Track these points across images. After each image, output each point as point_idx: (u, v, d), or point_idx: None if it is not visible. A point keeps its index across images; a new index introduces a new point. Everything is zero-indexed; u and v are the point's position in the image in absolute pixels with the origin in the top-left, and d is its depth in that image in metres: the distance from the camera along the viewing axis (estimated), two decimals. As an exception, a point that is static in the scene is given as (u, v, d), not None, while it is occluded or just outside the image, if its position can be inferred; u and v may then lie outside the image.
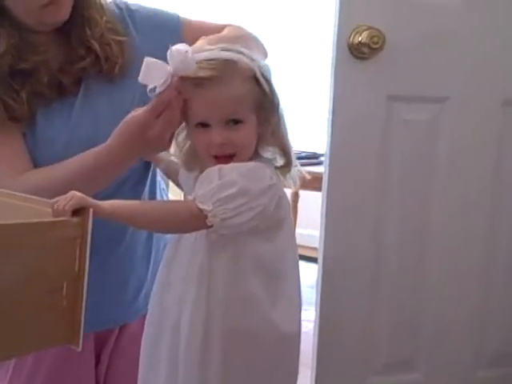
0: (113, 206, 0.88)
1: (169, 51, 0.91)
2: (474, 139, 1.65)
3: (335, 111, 1.54)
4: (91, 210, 0.85)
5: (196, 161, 1.02)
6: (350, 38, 1.49)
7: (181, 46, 0.92)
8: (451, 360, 1.71)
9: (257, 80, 0.96)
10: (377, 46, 1.48)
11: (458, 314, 1.71)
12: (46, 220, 0.84)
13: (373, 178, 1.59)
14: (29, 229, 0.80)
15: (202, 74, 0.93)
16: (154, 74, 0.92)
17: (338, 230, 1.60)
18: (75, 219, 0.84)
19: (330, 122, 1.55)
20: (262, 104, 0.97)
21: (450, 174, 1.65)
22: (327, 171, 1.57)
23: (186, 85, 0.94)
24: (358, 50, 1.49)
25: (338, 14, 1.50)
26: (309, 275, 3.65)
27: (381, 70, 1.53)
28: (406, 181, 1.62)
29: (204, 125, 0.95)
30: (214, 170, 0.94)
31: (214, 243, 0.96)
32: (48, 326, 0.84)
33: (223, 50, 0.96)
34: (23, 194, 0.93)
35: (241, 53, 0.97)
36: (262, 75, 0.97)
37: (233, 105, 0.94)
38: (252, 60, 0.97)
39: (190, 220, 0.92)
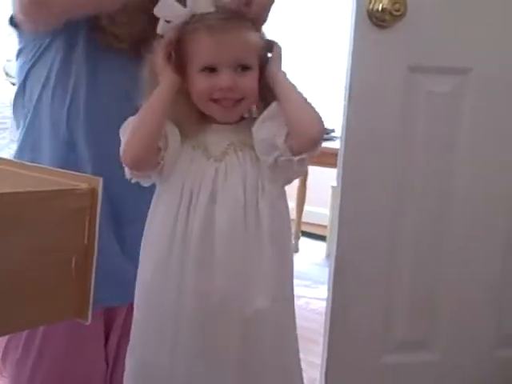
0: None
1: None
2: (497, 112, 1.59)
3: (353, 83, 1.48)
4: (101, 180, 0.81)
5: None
6: (370, 4, 1.43)
7: None
8: (468, 339, 1.68)
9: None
10: (399, 13, 1.42)
11: (474, 293, 1.67)
12: (51, 188, 0.81)
13: (392, 153, 1.54)
14: (34, 197, 0.77)
15: (222, 13, 0.94)
16: (171, 9, 0.95)
17: (354, 207, 1.56)
18: (84, 187, 0.81)
19: (347, 94, 1.49)
20: (263, 56, 1.00)
21: (473, 148, 1.59)
22: (343, 147, 1.52)
23: (199, 28, 0.94)
24: (379, 18, 1.44)
25: (357, -20, 1.45)
26: (317, 253, 3.65)
27: (402, 39, 1.48)
28: (427, 155, 1.57)
29: (210, 70, 0.95)
30: None
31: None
32: (57, 299, 0.82)
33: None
34: (30, 164, 0.91)
35: None
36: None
37: (245, 49, 0.96)
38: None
39: None
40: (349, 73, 1.48)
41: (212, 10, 0.95)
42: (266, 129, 0.97)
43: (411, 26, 1.46)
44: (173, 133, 0.98)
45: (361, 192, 1.55)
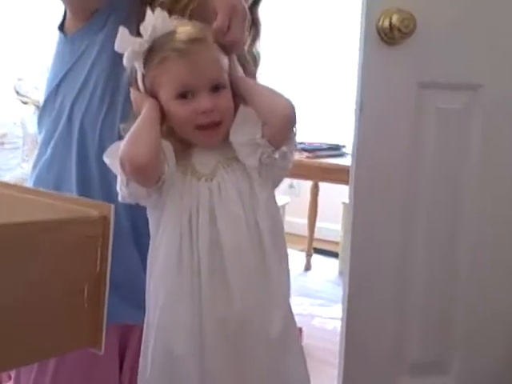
0: None
1: (147, 14, 0.94)
2: (508, 128, 1.58)
3: (363, 99, 1.48)
4: (113, 207, 0.81)
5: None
6: (379, 21, 1.43)
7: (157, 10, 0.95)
8: (483, 361, 1.65)
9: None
10: (408, 29, 1.41)
11: (489, 314, 1.64)
12: (64, 217, 0.80)
13: (403, 170, 1.53)
14: (46, 226, 0.77)
15: (188, 36, 0.93)
16: (130, 41, 0.95)
17: (366, 224, 1.54)
18: (96, 215, 0.80)
19: (358, 110, 1.49)
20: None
21: (484, 165, 1.58)
22: (354, 164, 1.51)
23: (168, 54, 0.93)
24: (388, 35, 1.43)
25: (365, -3, 1.44)
26: (330, 270, 3.62)
27: (411, 56, 1.47)
28: (437, 172, 1.55)
29: (185, 95, 0.94)
30: None
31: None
32: (69, 329, 0.82)
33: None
34: (42, 190, 0.90)
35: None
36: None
37: (218, 68, 0.95)
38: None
39: None
40: (359, 89, 1.48)
41: (171, 28, 0.94)
42: (242, 132, 0.97)
43: (420, 43, 1.46)
44: (168, 150, 0.96)
45: (373, 209, 1.54)
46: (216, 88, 0.94)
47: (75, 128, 1.12)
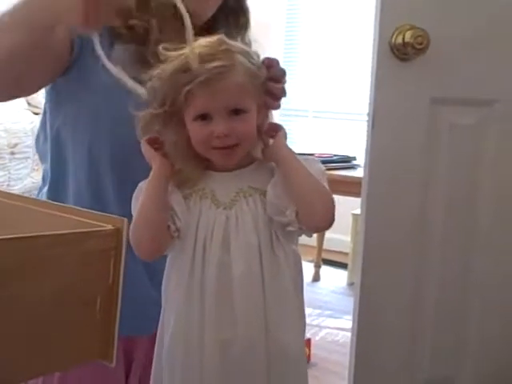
0: None
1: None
2: (523, 144, 1.57)
3: (376, 114, 1.48)
4: (126, 220, 0.81)
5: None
6: (392, 37, 1.43)
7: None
8: (496, 376, 1.64)
9: (253, 67, 0.95)
10: (421, 46, 1.41)
11: (503, 328, 1.63)
12: (76, 230, 0.80)
13: (415, 186, 1.53)
14: (58, 240, 0.77)
15: (209, 68, 0.91)
16: None
17: (378, 237, 1.54)
18: (109, 228, 0.81)
19: (370, 125, 1.48)
20: (260, 92, 0.96)
21: (498, 181, 1.57)
22: (367, 178, 1.51)
23: (189, 79, 0.91)
24: (401, 51, 1.43)
25: (379, 13, 1.44)
26: (338, 281, 3.62)
27: (425, 72, 1.47)
28: (450, 188, 1.55)
29: (204, 117, 0.93)
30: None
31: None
32: (81, 342, 0.81)
33: (220, 42, 0.94)
34: (54, 203, 0.91)
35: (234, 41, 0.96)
36: (256, 62, 0.97)
37: (238, 94, 0.92)
38: (243, 48, 0.97)
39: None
40: (371, 105, 1.48)
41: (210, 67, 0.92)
42: (279, 191, 0.95)
43: (434, 59, 1.46)
44: (177, 202, 0.96)
45: (385, 221, 1.54)
46: (236, 112, 0.93)
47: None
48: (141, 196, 0.96)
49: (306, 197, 0.94)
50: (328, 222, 0.96)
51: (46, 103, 1.19)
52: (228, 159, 0.96)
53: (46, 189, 1.19)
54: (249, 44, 1.15)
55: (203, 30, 1.03)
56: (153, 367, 1.04)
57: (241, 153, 0.96)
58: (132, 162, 1.08)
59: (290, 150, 0.96)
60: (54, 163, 1.17)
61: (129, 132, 1.03)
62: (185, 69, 0.93)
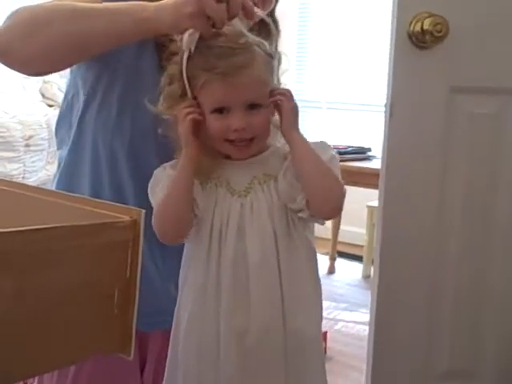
0: None
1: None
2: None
3: (394, 104, 1.46)
4: (143, 212, 0.80)
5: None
6: (410, 25, 1.41)
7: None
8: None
9: (269, 58, 0.96)
10: (440, 34, 1.39)
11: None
12: (94, 222, 0.80)
13: (434, 177, 1.51)
14: (76, 231, 0.76)
15: (230, 63, 0.91)
16: None
17: (396, 228, 1.52)
18: (126, 220, 0.80)
19: (388, 115, 1.47)
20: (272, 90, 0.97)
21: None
22: (384, 168, 1.49)
23: (208, 72, 0.92)
24: (419, 39, 1.41)
25: (397, 1, 1.42)
26: (353, 274, 3.60)
27: (443, 60, 1.45)
28: (469, 178, 1.52)
29: (221, 110, 0.93)
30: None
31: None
32: (99, 333, 0.81)
33: (241, 34, 0.94)
34: (71, 194, 0.90)
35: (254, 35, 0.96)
36: (274, 57, 0.98)
37: (256, 89, 0.93)
38: (259, 39, 0.96)
39: None
40: (389, 94, 1.46)
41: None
42: (289, 178, 0.95)
43: (453, 47, 1.43)
44: (196, 190, 0.97)
45: (402, 213, 1.52)
46: (252, 106, 0.94)
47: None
48: (170, 180, 0.96)
49: (316, 183, 0.94)
50: (337, 209, 0.96)
51: (72, 85, 1.18)
52: (242, 153, 0.97)
53: (58, 175, 1.19)
54: (278, 56, 1.15)
55: None
56: (168, 358, 1.03)
57: (255, 147, 0.97)
58: (147, 151, 1.09)
59: (300, 134, 0.96)
60: (73, 148, 1.16)
61: (147, 118, 1.03)
62: (204, 58, 0.93)
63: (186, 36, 0.94)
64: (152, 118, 1.03)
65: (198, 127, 0.95)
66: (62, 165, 1.19)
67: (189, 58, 0.94)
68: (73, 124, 1.16)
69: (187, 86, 0.95)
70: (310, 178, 0.94)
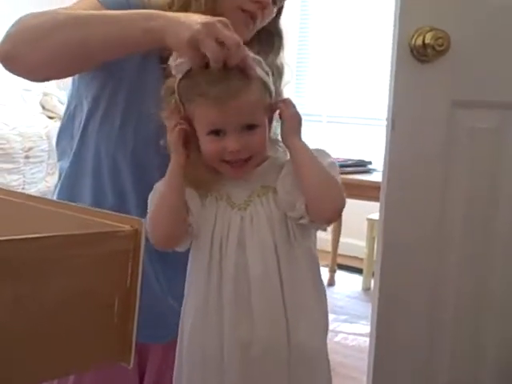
0: None
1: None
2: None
3: (395, 117, 1.46)
4: (144, 221, 0.80)
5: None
6: (412, 39, 1.41)
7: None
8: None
9: (266, 77, 0.96)
10: (442, 47, 1.39)
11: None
12: (94, 231, 0.79)
13: (435, 190, 1.51)
14: (76, 240, 0.76)
15: (224, 88, 0.91)
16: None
17: (397, 241, 1.52)
18: (127, 229, 0.80)
19: (389, 129, 1.47)
20: (270, 105, 0.98)
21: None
22: (385, 182, 1.49)
23: (202, 96, 0.92)
24: (421, 53, 1.42)
25: (398, 15, 1.43)
26: (353, 286, 3.59)
27: (445, 74, 1.45)
28: (470, 192, 1.52)
29: (217, 132, 0.93)
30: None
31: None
32: (99, 343, 0.81)
33: None
34: (72, 204, 0.90)
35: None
36: (267, 74, 0.98)
37: (251, 111, 0.93)
38: (260, 61, 0.97)
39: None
40: (390, 107, 1.46)
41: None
42: (287, 186, 0.96)
43: (454, 61, 1.44)
44: (191, 197, 0.97)
45: (403, 226, 1.52)
46: (248, 127, 0.94)
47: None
48: (160, 184, 0.97)
49: (316, 187, 0.94)
50: (337, 211, 0.97)
51: (74, 96, 1.18)
52: (238, 173, 0.97)
53: (59, 185, 1.19)
54: (280, 67, 1.15)
55: None
56: (175, 368, 1.03)
57: (252, 165, 0.97)
58: (149, 162, 1.09)
59: (301, 140, 0.97)
60: (74, 159, 1.17)
61: (150, 129, 1.03)
62: (198, 80, 0.93)
63: (174, 63, 0.95)
64: (155, 129, 1.03)
65: (187, 138, 0.96)
66: (63, 176, 1.19)
67: (182, 78, 0.95)
68: (75, 135, 1.16)
69: (181, 107, 0.96)
70: (311, 181, 0.94)
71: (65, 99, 1.24)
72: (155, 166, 1.08)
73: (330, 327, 2.78)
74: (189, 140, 0.96)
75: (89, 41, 1.00)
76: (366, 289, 3.48)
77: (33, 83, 4.08)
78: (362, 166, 3.18)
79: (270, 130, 0.98)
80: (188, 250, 1.02)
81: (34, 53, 1.02)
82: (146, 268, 1.09)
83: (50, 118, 4.33)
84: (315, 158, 0.95)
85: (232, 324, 0.95)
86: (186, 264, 1.03)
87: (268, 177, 0.98)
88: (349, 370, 2.42)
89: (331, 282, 3.61)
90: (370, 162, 3.20)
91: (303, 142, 0.96)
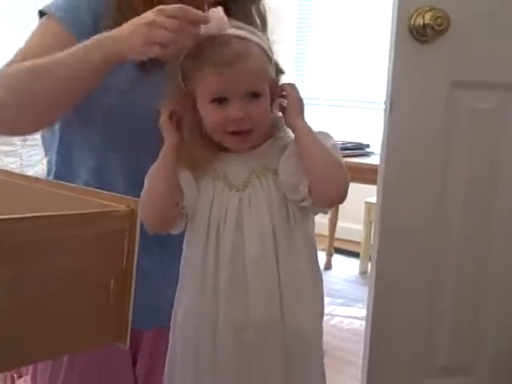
0: None
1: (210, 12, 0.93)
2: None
3: (394, 98, 1.45)
4: (139, 201, 0.80)
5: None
6: (411, 19, 1.40)
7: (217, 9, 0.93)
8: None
9: (268, 54, 0.96)
10: (441, 27, 1.38)
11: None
12: (90, 211, 0.79)
13: (434, 173, 1.50)
14: (72, 220, 0.75)
15: (226, 52, 0.90)
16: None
17: (394, 224, 1.52)
18: (122, 209, 0.79)
19: (388, 109, 1.46)
20: (274, 80, 0.97)
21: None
22: (383, 164, 1.49)
23: (205, 64, 0.91)
24: (420, 33, 1.40)
25: (397, -5, 1.42)
26: (350, 270, 3.60)
27: (444, 54, 1.44)
28: (470, 173, 1.52)
29: (220, 100, 0.92)
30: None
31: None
32: (95, 324, 0.80)
33: (238, 27, 0.94)
34: (68, 184, 0.90)
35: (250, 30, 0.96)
36: (270, 50, 0.97)
37: (254, 78, 0.92)
38: (259, 36, 0.96)
39: None
40: (389, 89, 1.45)
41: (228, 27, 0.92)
42: (290, 167, 0.94)
43: (454, 41, 1.43)
44: (186, 179, 0.96)
45: (401, 209, 1.52)
46: (252, 96, 0.92)
47: None
48: (153, 167, 0.96)
49: (320, 168, 0.93)
50: (341, 195, 0.95)
51: None
52: (241, 144, 0.96)
53: (52, 179, 1.18)
54: (264, 12, 1.13)
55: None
56: (168, 352, 1.03)
57: (254, 138, 0.95)
58: (142, 158, 1.05)
59: (304, 121, 0.95)
60: (59, 158, 1.16)
61: (141, 127, 1.01)
62: (199, 51, 0.92)
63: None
64: (142, 123, 1.02)
65: (179, 121, 0.95)
66: (53, 170, 1.18)
67: (184, 58, 0.94)
68: (56, 129, 1.16)
69: (182, 86, 0.94)
70: (315, 162, 0.93)
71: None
72: (144, 157, 1.05)
73: (326, 310, 2.79)
74: (182, 123, 0.95)
75: (43, 91, 1.00)
76: (363, 272, 3.49)
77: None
78: (360, 148, 3.17)
79: (271, 108, 0.97)
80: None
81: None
82: (141, 254, 1.09)
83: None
84: (319, 139, 0.94)
85: (227, 306, 0.94)
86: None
87: (269, 158, 0.96)
88: (345, 353, 2.43)
89: (328, 266, 3.62)
90: (368, 145, 3.19)
91: (306, 123, 0.95)
